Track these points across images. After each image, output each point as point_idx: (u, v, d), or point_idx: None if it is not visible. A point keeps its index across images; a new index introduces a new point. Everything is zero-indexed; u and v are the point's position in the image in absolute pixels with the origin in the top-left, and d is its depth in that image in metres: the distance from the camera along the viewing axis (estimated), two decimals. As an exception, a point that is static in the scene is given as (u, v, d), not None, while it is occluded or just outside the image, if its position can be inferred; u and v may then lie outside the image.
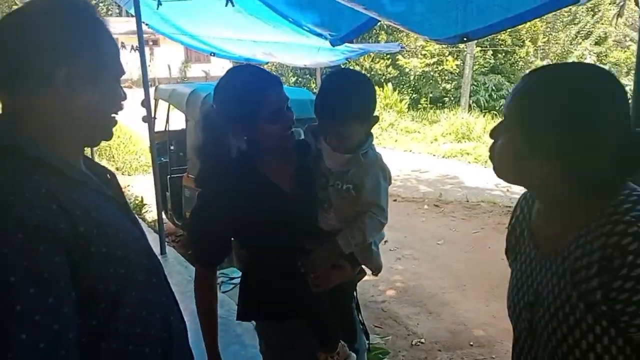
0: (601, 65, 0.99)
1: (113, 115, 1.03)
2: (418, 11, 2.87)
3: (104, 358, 0.89)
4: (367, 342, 1.97)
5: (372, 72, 21.10)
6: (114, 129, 1.05)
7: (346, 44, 5.51)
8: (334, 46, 4.07)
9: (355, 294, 1.89)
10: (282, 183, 1.64)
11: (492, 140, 1.07)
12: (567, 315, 0.95)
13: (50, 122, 0.92)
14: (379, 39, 19.22)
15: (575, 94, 0.94)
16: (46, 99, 0.91)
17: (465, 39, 2.84)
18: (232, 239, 1.72)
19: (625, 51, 17.40)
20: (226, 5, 3.39)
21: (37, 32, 0.89)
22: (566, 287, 0.96)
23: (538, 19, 21.84)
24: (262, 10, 4.09)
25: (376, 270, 1.71)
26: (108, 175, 1.09)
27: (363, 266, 1.72)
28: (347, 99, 1.50)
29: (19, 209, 0.79)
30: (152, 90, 5.90)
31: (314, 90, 20.87)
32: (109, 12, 24.87)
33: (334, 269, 1.62)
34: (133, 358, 0.94)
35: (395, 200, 8.02)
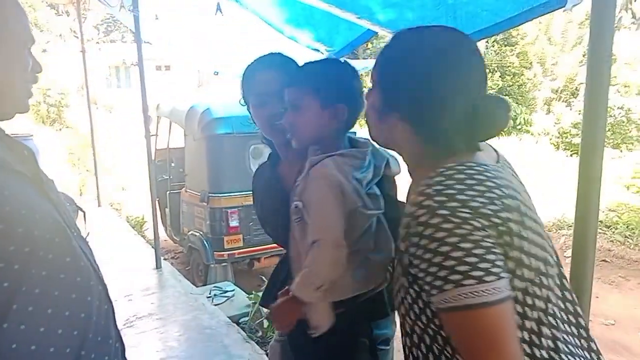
0: (462, 34, 0.99)
1: (26, 85, 0.98)
2: (408, 18, 2.89)
3: (6, 339, 0.81)
4: None
5: (380, 93, 21.27)
6: (30, 102, 1.01)
7: (346, 59, 5.57)
8: (329, 60, 4.09)
9: (368, 342, 1.47)
10: (289, 181, 1.46)
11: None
12: (398, 277, 0.98)
13: None
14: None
15: (420, 56, 0.96)
16: None
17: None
18: None
19: (635, 71, 17.35)
20: (215, 13, 3.43)
21: None
22: (399, 251, 0.96)
23: (548, 42, 21.95)
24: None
25: (314, 329, 1.29)
26: (25, 152, 1.00)
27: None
28: (310, 66, 1.37)
29: None
30: (154, 108, 5.98)
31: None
32: (124, 39, 25.35)
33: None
34: (42, 341, 0.86)
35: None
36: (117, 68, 23.42)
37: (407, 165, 1.08)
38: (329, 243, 1.20)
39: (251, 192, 1.68)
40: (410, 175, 1.07)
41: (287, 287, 1.34)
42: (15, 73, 0.95)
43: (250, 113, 1.58)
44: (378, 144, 1.08)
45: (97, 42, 19.10)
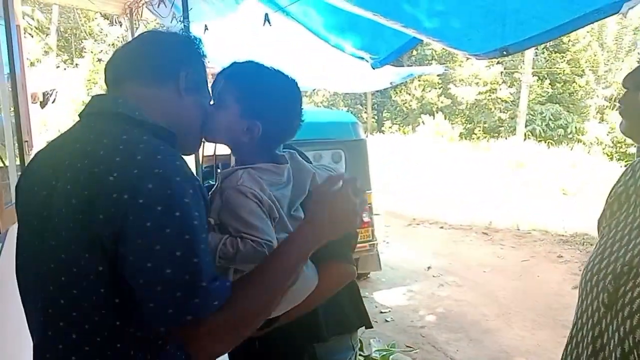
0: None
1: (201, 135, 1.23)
2: (455, 26, 2.86)
3: None
4: None
5: (424, 101, 21.03)
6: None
7: (390, 66, 5.57)
8: (374, 69, 4.10)
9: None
10: None
11: (625, 90, 0.97)
12: None
13: (164, 113, 1.10)
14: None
15: None
16: (170, 91, 1.11)
17: (504, 52, 2.79)
18: None
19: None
20: (263, 24, 3.48)
21: (167, 45, 1.15)
22: None
23: (600, 48, 21.21)
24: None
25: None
26: None
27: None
28: (252, 69, 1.27)
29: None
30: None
31: (365, 120, 21.02)
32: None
33: None
34: None
35: (442, 228, 7.86)
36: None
37: None
38: (254, 243, 1.12)
39: None
40: None
41: None
42: (198, 120, 1.19)
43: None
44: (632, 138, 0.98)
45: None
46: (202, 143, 1.39)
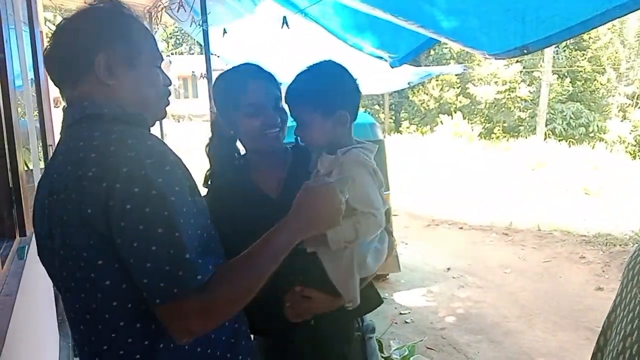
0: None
1: (160, 98, 1.17)
2: (473, 26, 2.84)
3: None
4: None
5: (442, 101, 20.89)
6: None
7: (408, 66, 5.54)
8: (392, 67, 4.09)
9: (353, 332, 1.58)
10: (268, 187, 1.54)
11: None
12: None
13: (110, 103, 1.08)
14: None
15: None
16: (93, 84, 1.07)
17: (525, 51, 2.76)
18: None
19: None
20: (282, 27, 3.50)
21: (72, 37, 1.08)
22: None
23: (622, 45, 20.85)
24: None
25: (349, 303, 1.41)
26: None
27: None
28: (301, 82, 1.45)
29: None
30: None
31: (382, 120, 20.95)
32: (191, 51, 26.34)
33: (305, 299, 1.42)
34: None
35: (461, 228, 7.79)
36: (185, 80, 24.35)
37: None
38: (378, 217, 1.37)
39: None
40: None
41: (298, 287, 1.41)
42: (149, 90, 1.15)
43: (227, 122, 1.54)
44: None
45: (167, 55, 19.97)
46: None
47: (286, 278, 1.29)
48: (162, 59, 1.19)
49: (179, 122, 17.47)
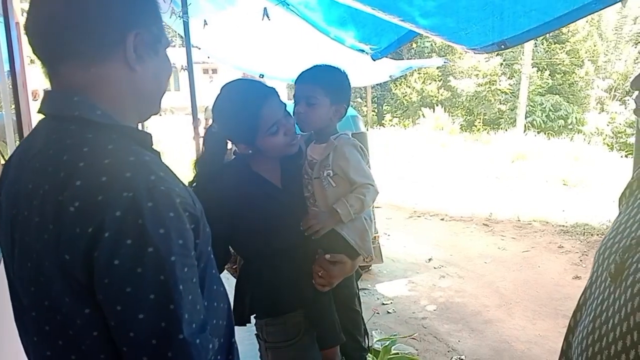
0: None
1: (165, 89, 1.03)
2: (451, 21, 2.86)
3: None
4: (367, 342, 1.97)
5: (424, 94, 21.01)
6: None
7: (390, 59, 5.56)
8: (374, 60, 4.10)
9: (357, 291, 1.89)
10: (274, 180, 1.71)
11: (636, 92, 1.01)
12: None
13: (119, 94, 0.90)
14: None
15: None
16: (117, 67, 0.88)
17: (502, 46, 2.80)
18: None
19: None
20: (262, 19, 3.49)
21: (110, 2, 0.87)
22: None
23: (600, 39, 21.13)
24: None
25: (368, 256, 1.73)
26: None
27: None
28: (318, 70, 1.70)
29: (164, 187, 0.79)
30: (203, 111, 6.13)
31: (365, 113, 20.99)
32: (172, 44, 25.97)
33: (335, 265, 1.65)
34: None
35: (442, 220, 7.88)
36: (166, 72, 24.07)
37: None
38: (374, 186, 1.66)
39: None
40: None
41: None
42: (164, 81, 1.00)
43: (243, 142, 1.69)
44: None
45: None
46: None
47: (309, 256, 1.66)
48: (169, 44, 1.01)
49: (160, 115, 17.31)
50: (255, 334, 1.80)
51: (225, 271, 1.86)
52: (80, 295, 0.78)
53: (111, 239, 0.74)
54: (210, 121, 1.79)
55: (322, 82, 1.65)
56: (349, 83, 1.75)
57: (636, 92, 1.00)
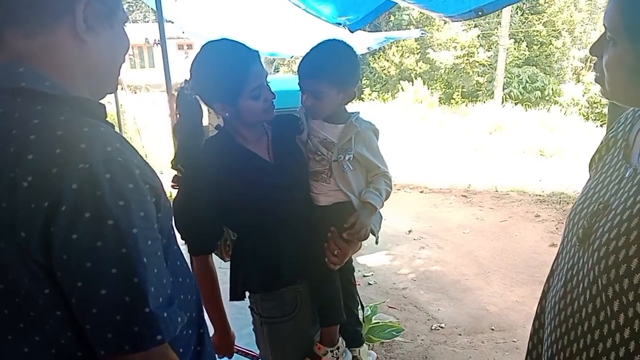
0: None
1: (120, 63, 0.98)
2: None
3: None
4: (363, 316, 2.00)
5: (402, 67, 20.94)
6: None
7: (365, 32, 5.52)
8: (352, 32, 4.06)
9: (352, 265, 1.91)
10: (262, 153, 1.66)
11: (595, 58, 0.99)
12: (632, 229, 0.87)
13: (68, 65, 0.85)
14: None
15: None
16: (65, 37, 0.84)
17: (480, 13, 2.79)
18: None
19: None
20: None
21: None
22: None
23: (575, 9, 21.20)
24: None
25: (378, 234, 1.80)
26: None
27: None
28: (321, 59, 1.60)
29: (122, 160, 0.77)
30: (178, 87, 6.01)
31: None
32: (146, 19, 25.39)
33: (348, 244, 1.66)
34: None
35: (422, 192, 7.95)
36: (140, 48, 23.55)
37: None
38: (389, 173, 1.73)
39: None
40: None
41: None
42: (121, 55, 0.96)
43: (222, 104, 1.63)
44: (614, 100, 0.99)
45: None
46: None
47: (304, 228, 1.65)
48: (128, 19, 0.98)
49: (135, 93, 16.95)
50: (249, 307, 1.78)
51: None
52: (39, 275, 0.75)
53: (68, 213, 0.71)
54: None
55: (327, 74, 1.57)
56: (357, 61, 1.67)
57: (595, 59, 0.99)
